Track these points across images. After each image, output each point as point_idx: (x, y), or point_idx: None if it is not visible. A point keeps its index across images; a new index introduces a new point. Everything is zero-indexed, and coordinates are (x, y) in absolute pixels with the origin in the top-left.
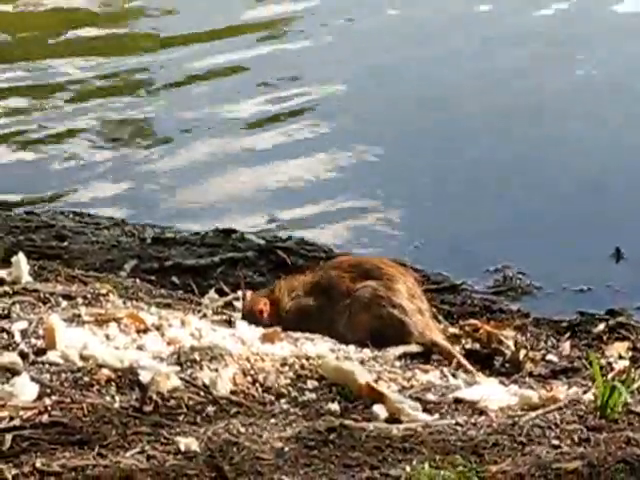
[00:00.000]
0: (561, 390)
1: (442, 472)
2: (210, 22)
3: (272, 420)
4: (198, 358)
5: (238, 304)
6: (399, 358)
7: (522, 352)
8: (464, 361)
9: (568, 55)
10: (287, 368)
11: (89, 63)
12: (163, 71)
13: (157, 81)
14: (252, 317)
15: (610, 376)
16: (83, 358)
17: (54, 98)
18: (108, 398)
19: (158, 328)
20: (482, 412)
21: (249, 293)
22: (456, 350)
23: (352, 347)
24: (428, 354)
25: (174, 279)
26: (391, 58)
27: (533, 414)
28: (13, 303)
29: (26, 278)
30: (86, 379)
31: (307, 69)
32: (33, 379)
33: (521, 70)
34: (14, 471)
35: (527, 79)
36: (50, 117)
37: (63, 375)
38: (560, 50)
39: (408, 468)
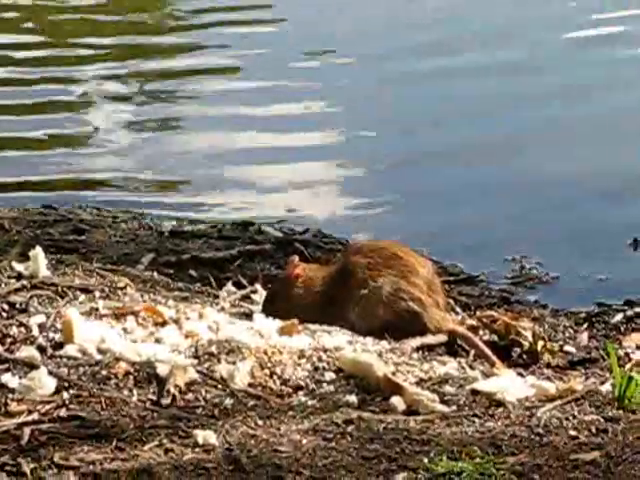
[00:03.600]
0: (579, 381)
1: (460, 464)
2: None
3: (290, 413)
4: (216, 351)
5: (256, 297)
6: (417, 350)
7: (540, 343)
8: (484, 347)
9: None
10: (305, 361)
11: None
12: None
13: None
14: (286, 282)
15: (628, 367)
16: (101, 352)
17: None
18: (126, 392)
19: (176, 321)
20: (500, 404)
21: (297, 258)
22: (476, 338)
23: (370, 339)
24: (446, 345)
25: (192, 272)
26: None
27: (551, 405)
28: (31, 297)
29: (44, 272)
30: (104, 373)
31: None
32: (51, 373)
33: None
34: (32, 465)
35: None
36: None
37: (81, 369)
38: None
39: (426, 460)
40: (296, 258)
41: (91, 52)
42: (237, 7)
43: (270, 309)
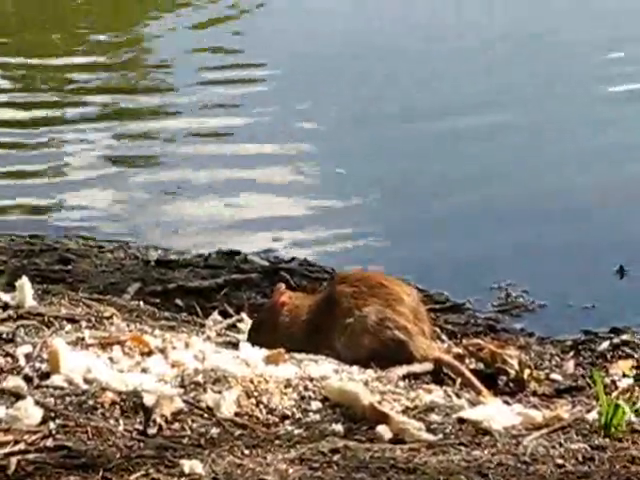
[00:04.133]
0: (565, 409)
1: None
2: None
3: (276, 442)
4: (202, 380)
5: (242, 326)
6: (403, 378)
7: (526, 371)
8: (470, 375)
9: None
10: (291, 389)
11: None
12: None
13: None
14: (272, 310)
15: (614, 394)
16: (87, 381)
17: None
18: (112, 421)
19: (162, 351)
20: (486, 432)
21: (283, 286)
22: (462, 366)
23: (355, 368)
24: (432, 374)
25: (178, 301)
26: None
27: (537, 433)
28: (17, 327)
29: (30, 302)
30: (90, 402)
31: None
32: (37, 403)
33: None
34: None
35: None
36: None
37: (67, 399)
38: None
39: None
40: (283, 286)
41: (76, 112)
42: (229, 66)
43: (256, 338)
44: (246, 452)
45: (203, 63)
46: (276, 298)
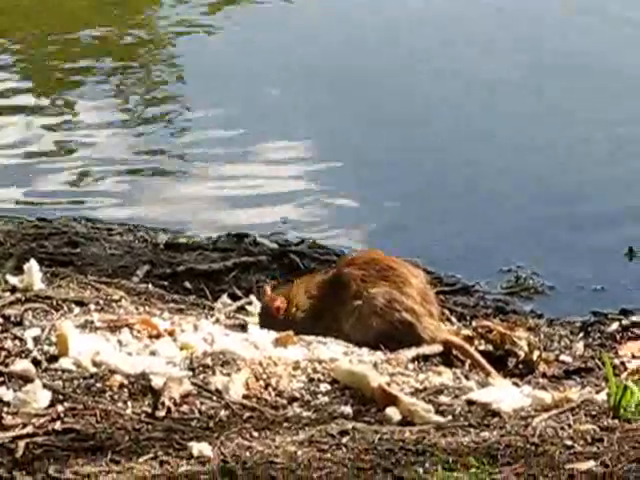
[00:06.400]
0: (574, 391)
1: (455, 474)
2: None
3: (285, 424)
4: (210, 363)
5: (251, 308)
6: (412, 360)
7: (535, 353)
8: (479, 357)
9: None
10: (300, 372)
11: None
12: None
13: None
14: (268, 315)
15: (623, 376)
16: (96, 364)
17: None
18: (121, 404)
19: (171, 333)
20: (495, 414)
21: (268, 289)
22: (471, 348)
23: (365, 350)
24: (441, 355)
25: (187, 284)
26: None
27: (546, 415)
28: (25, 310)
29: (38, 285)
30: (99, 385)
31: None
32: (46, 386)
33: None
34: (27, 478)
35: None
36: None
37: (76, 382)
38: None
39: (421, 470)
40: (268, 289)
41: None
42: None
43: (267, 322)
44: (255, 434)
45: None
46: (270, 306)
